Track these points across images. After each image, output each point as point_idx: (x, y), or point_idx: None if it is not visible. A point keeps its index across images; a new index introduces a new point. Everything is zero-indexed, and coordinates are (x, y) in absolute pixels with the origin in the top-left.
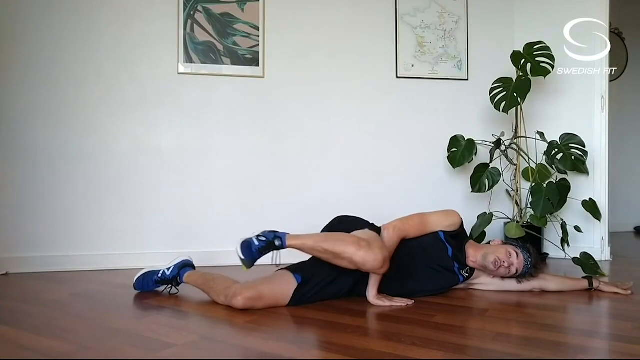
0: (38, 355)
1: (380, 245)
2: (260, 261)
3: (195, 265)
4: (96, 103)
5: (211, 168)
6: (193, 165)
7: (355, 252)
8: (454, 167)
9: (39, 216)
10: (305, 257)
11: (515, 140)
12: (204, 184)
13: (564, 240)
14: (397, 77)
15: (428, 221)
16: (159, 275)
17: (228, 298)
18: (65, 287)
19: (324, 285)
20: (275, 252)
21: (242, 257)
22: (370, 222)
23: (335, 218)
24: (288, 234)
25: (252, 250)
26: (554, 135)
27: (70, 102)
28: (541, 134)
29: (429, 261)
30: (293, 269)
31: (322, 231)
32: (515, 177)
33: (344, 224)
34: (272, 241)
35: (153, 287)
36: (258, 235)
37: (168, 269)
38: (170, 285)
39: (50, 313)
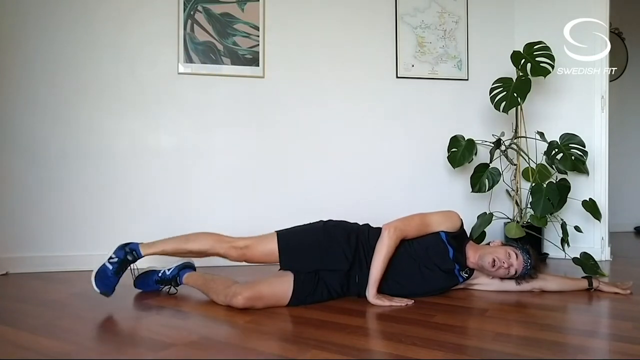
0: (38, 355)
1: (246, 240)
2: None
3: (196, 266)
4: (96, 103)
5: (211, 168)
6: (193, 165)
7: (219, 247)
8: (454, 167)
9: (38, 216)
10: None
11: (515, 140)
12: (204, 183)
13: (564, 240)
14: (397, 77)
15: (428, 222)
16: (159, 275)
17: (228, 298)
18: (65, 287)
19: (318, 276)
20: (132, 265)
21: (98, 291)
22: (364, 222)
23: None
24: (141, 243)
25: (108, 276)
26: (554, 135)
27: (70, 102)
28: (541, 134)
29: (429, 262)
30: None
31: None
32: (515, 177)
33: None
34: (124, 259)
35: (153, 287)
36: (109, 258)
37: (168, 269)
38: (169, 286)
39: (50, 313)
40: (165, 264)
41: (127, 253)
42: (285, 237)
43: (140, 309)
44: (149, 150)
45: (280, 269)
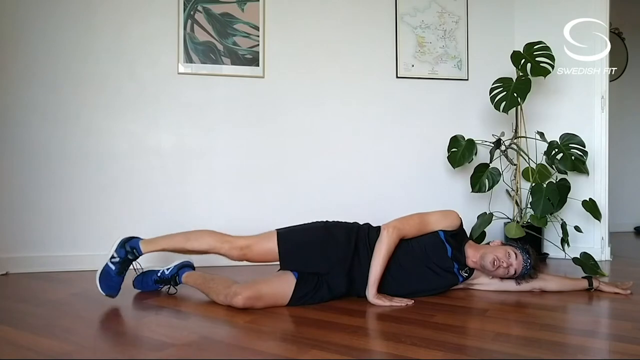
0: (38, 355)
1: (247, 239)
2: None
3: (195, 266)
4: (96, 103)
5: (211, 168)
6: (193, 165)
7: (220, 246)
8: (454, 167)
9: (38, 216)
10: None
11: (515, 140)
12: (204, 183)
13: (564, 240)
14: (397, 77)
15: (427, 221)
16: (158, 275)
17: (228, 298)
18: (65, 287)
19: (319, 277)
20: (135, 262)
21: (104, 294)
22: (364, 222)
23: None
24: (140, 239)
25: (112, 277)
26: (554, 135)
27: (70, 102)
28: (541, 134)
29: (428, 261)
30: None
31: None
32: (515, 177)
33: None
34: (125, 258)
35: (152, 287)
36: (111, 257)
37: (167, 268)
38: (169, 285)
39: (50, 313)
40: (166, 263)
41: (128, 252)
42: (285, 236)
43: (140, 309)
44: (149, 150)
45: (280, 269)
